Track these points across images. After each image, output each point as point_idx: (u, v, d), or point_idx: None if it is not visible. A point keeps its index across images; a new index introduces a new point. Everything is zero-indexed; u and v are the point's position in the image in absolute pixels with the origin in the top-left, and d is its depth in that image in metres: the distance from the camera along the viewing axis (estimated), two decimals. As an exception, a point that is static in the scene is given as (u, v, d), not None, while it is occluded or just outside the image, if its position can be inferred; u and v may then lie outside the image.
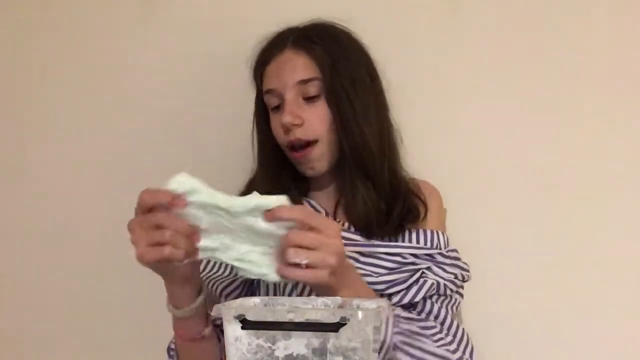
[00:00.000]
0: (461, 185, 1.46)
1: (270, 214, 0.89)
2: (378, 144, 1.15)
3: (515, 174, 1.47)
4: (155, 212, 0.90)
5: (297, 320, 0.82)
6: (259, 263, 0.94)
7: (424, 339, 1.03)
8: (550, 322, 1.45)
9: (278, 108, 1.17)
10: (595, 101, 1.46)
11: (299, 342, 0.83)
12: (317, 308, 0.91)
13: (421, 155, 1.32)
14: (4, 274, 1.59)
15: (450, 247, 1.17)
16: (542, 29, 1.47)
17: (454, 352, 1.06)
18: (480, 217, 1.47)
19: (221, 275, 1.18)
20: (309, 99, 1.14)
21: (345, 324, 0.81)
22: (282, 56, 1.16)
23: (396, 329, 1.00)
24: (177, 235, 0.90)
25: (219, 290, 1.17)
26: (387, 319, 0.99)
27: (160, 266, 0.94)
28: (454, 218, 1.37)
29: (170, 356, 1.13)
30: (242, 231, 0.92)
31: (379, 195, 1.15)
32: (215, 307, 0.86)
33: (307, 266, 0.90)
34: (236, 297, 1.17)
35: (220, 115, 1.52)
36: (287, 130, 1.14)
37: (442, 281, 1.11)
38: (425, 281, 1.10)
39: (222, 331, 1.09)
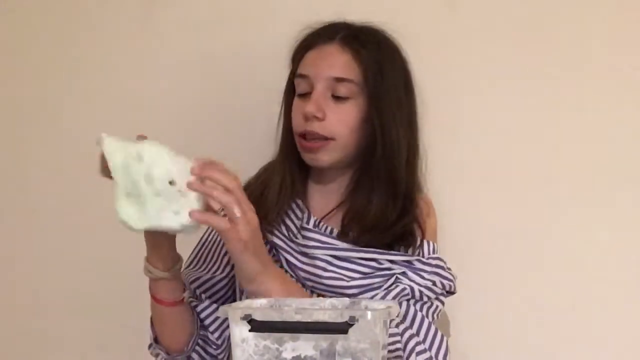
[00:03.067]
0: (460, 185, 1.46)
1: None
2: (405, 156, 1.16)
3: (515, 174, 1.46)
4: None
5: (304, 321, 0.81)
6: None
7: None
8: (549, 323, 1.44)
9: (304, 96, 1.16)
10: (596, 101, 1.45)
11: (306, 344, 0.82)
12: (324, 309, 0.90)
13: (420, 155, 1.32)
14: (4, 274, 1.59)
15: (434, 255, 1.15)
16: (541, 28, 1.46)
17: (422, 351, 1.05)
18: (477, 217, 1.46)
19: (200, 275, 1.20)
20: (337, 98, 1.14)
21: (354, 324, 0.80)
22: (327, 48, 1.16)
23: None
24: None
25: (198, 293, 1.20)
26: None
27: None
28: (452, 218, 1.37)
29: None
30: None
31: (395, 205, 1.14)
32: (221, 308, 0.86)
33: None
34: (218, 300, 1.20)
35: (221, 115, 1.51)
36: (306, 119, 1.13)
37: (416, 287, 1.10)
38: (396, 286, 1.10)
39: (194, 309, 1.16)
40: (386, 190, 1.14)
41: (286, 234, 1.17)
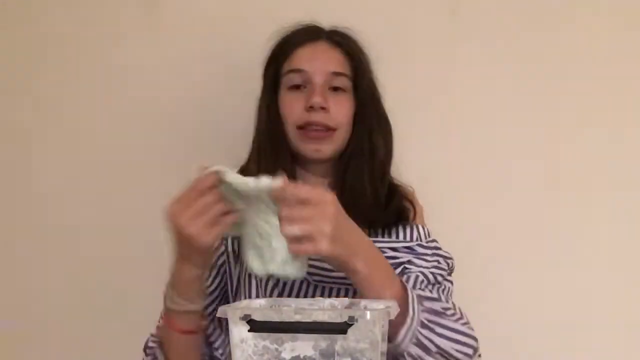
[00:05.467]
0: (461, 186, 1.47)
1: (277, 193, 0.91)
2: (384, 144, 1.21)
3: (515, 175, 1.47)
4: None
5: (304, 321, 0.81)
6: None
7: (448, 318, 1.02)
8: (550, 322, 1.45)
9: (297, 89, 1.19)
10: (595, 101, 1.46)
11: (306, 344, 0.82)
12: (324, 309, 0.90)
13: (420, 156, 1.33)
14: (4, 274, 1.59)
15: (430, 239, 1.18)
16: (540, 30, 1.47)
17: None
18: (478, 217, 1.47)
19: None
20: (336, 90, 1.19)
21: (353, 324, 0.80)
22: (319, 44, 1.21)
23: (421, 307, 0.99)
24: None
25: None
26: (413, 299, 0.99)
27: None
28: (452, 218, 1.37)
29: (147, 354, 1.13)
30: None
31: (383, 187, 1.20)
32: (221, 308, 0.85)
33: (306, 239, 0.91)
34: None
35: (222, 115, 1.52)
36: (311, 110, 1.16)
37: (427, 271, 1.12)
38: (409, 276, 1.10)
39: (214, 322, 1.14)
40: (374, 174, 1.19)
41: None
